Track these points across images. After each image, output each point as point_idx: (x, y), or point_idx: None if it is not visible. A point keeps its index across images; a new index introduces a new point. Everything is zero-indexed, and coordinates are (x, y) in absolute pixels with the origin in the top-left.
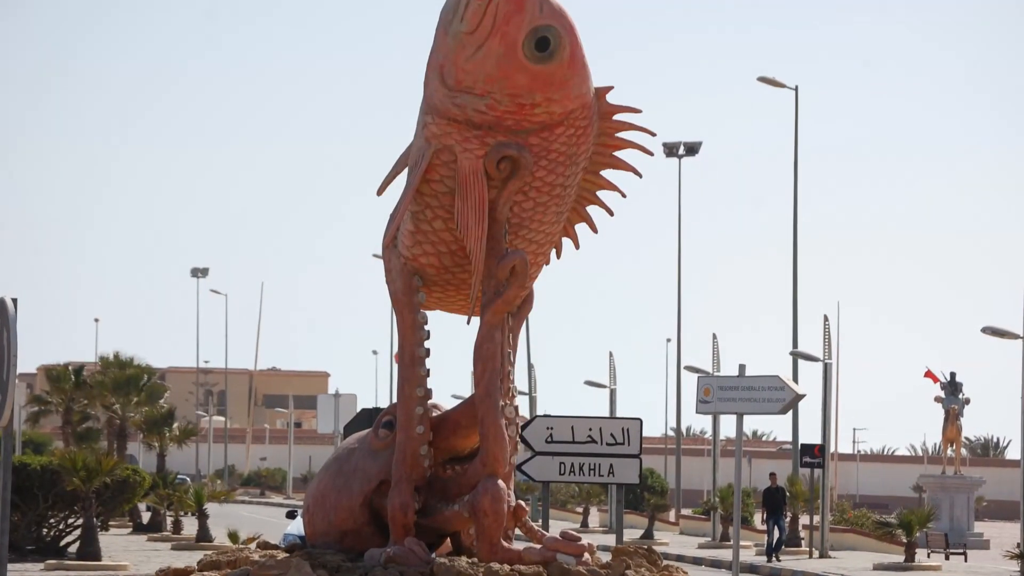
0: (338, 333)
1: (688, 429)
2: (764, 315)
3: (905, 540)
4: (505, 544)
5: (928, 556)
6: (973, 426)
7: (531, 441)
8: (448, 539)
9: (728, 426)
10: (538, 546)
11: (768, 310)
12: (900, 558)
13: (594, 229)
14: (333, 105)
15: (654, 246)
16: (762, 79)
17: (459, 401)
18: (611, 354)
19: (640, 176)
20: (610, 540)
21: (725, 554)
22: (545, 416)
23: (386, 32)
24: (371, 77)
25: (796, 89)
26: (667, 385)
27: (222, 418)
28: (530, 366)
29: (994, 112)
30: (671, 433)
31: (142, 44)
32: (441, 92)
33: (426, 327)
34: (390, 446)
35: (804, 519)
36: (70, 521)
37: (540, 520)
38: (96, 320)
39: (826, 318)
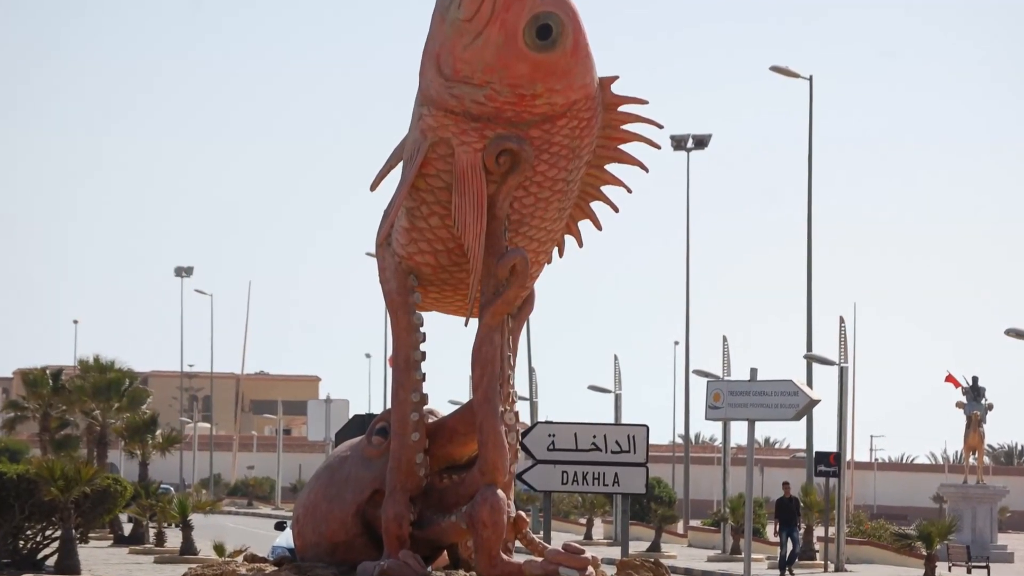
0: (329, 335)
1: (697, 436)
2: (777, 316)
3: (925, 553)
4: (505, 557)
5: (949, 570)
6: (996, 433)
7: (532, 449)
8: (445, 552)
9: (739, 433)
10: (539, 559)
11: (781, 311)
12: (920, 571)
13: (598, 226)
14: (325, 97)
15: (661, 244)
16: (775, 68)
17: (456, 407)
18: (616, 357)
19: (647, 171)
20: (615, 553)
21: (736, 567)
22: (547, 422)
23: (378, 24)
24: (364, 70)
25: (810, 79)
26: (675, 390)
27: (207, 424)
28: (531, 370)
29: (1016, 104)
30: (679, 440)
31: (126, 36)
32: (438, 82)
33: (422, 329)
34: (384, 454)
35: (819, 531)
36: (48, 533)
37: (541, 532)
38: (75, 321)
39: (842, 320)
